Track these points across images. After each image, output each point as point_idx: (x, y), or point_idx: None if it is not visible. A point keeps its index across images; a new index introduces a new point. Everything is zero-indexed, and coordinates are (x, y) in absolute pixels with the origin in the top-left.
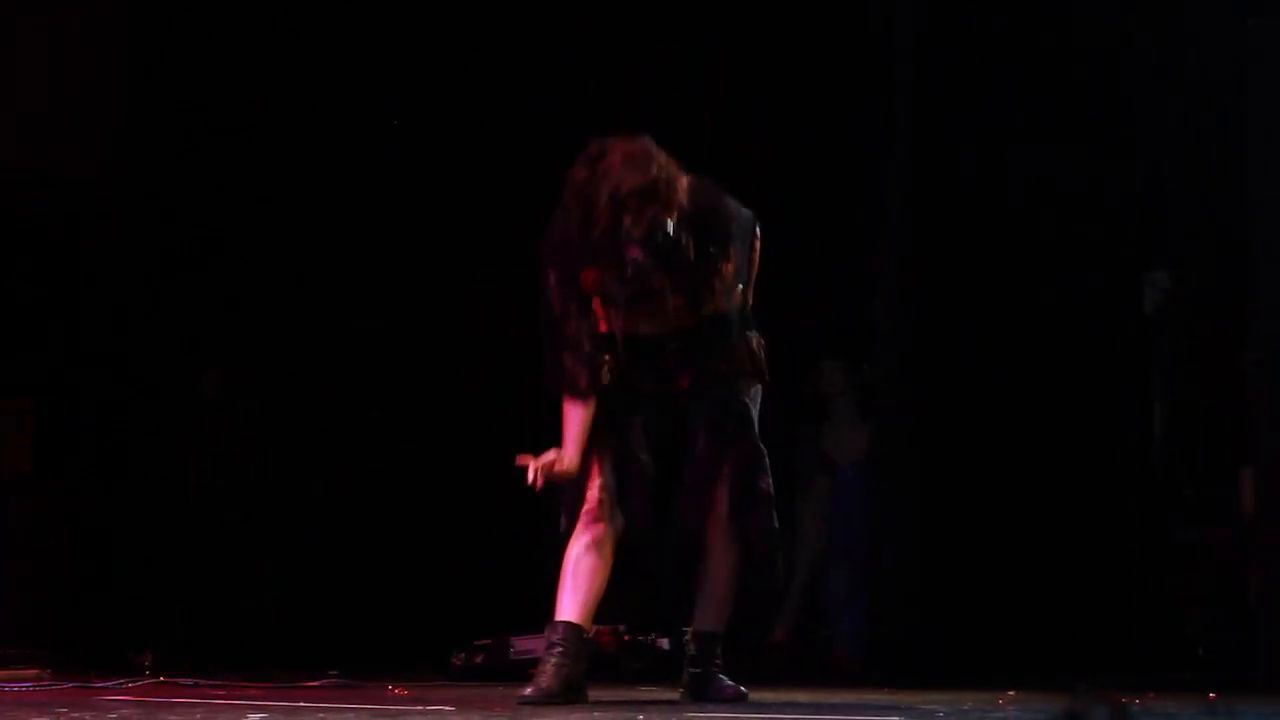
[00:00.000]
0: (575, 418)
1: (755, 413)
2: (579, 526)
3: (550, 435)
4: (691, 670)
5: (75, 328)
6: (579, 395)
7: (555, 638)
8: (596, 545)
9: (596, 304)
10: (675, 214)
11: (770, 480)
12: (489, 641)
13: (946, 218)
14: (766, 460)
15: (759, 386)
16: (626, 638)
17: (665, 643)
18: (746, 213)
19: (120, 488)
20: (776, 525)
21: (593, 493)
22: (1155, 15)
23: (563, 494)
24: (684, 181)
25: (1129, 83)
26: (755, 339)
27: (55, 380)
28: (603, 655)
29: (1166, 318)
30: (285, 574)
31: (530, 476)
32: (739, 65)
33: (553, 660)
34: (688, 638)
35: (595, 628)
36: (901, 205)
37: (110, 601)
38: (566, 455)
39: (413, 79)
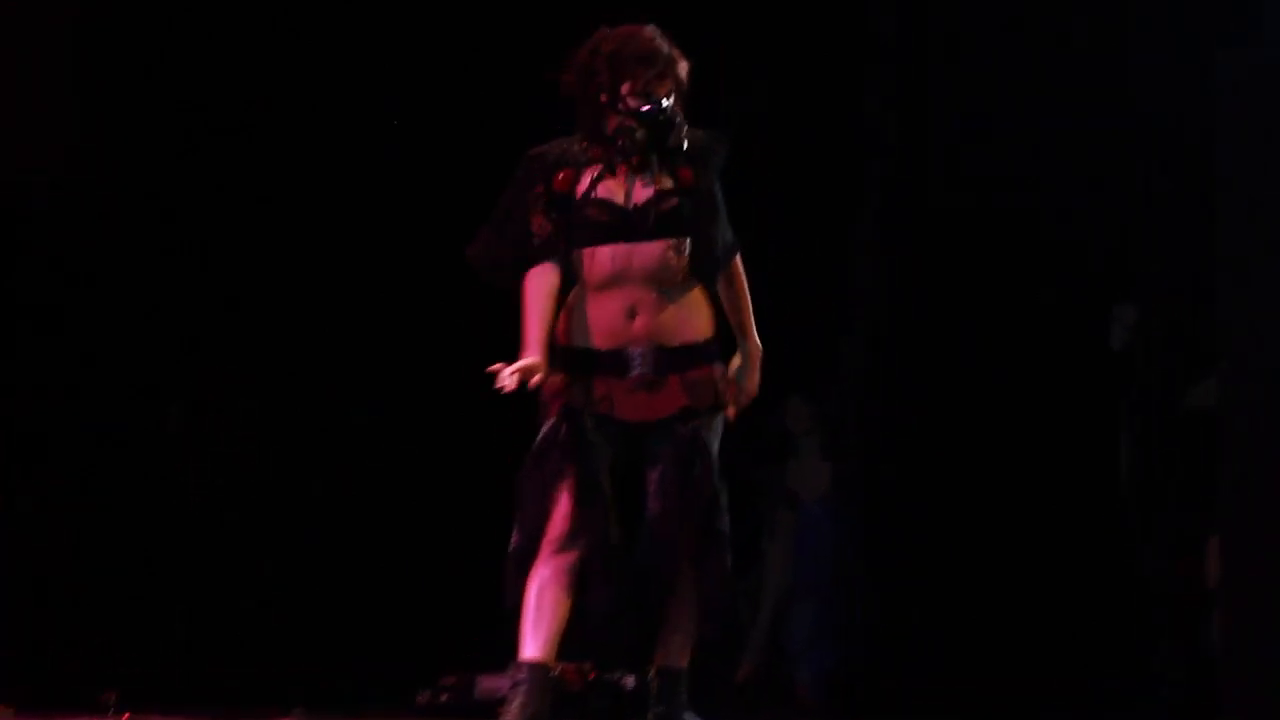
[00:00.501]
0: (534, 298)
1: (716, 447)
2: (542, 556)
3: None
4: (656, 709)
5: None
6: (535, 257)
7: (520, 676)
8: (559, 577)
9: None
10: (674, 90)
11: (727, 520)
12: (454, 680)
13: (914, 255)
14: (725, 499)
15: (720, 419)
16: (592, 676)
17: (631, 680)
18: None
19: (84, 523)
20: (730, 568)
21: (556, 520)
22: (1123, 48)
23: (519, 513)
24: (686, 64)
25: (1096, 115)
26: (719, 369)
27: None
28: (568, 694)
29: (1133, 352)
30: (251, 610)
31: (501, 381)
32: (707, 99)
33: (518, 700)
34: (652, 675)
35: (560, 665)
36: (869, 242)
37: (76, 638)
38: (528, 350)
39: (389, 81)
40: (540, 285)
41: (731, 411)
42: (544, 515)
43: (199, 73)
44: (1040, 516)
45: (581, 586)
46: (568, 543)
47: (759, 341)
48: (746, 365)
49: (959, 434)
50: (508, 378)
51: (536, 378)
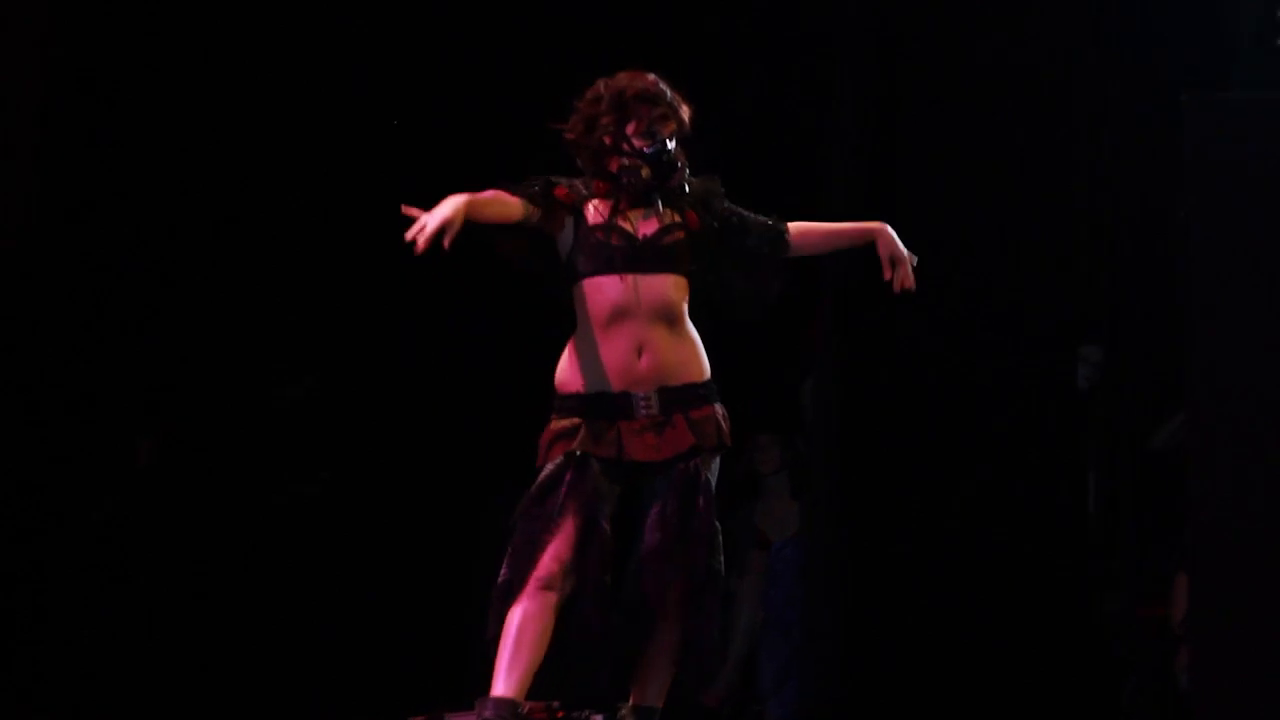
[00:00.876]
0: (496, 195)
1: (713, 486)
2: (527, 589)
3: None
4: None
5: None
6: (512, 190)
7: (487, 714)
8: (542, 615)
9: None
10: (677, 132)
11: (723, 560)
12: (422, 718)
13: (880, 294)
14: (720, 538)
15: (718, 461)
16: (560, 715)
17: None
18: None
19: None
20: (719, 608)
21: (547, 558)
22: (1088, 88)
23: (511, 549)
24: (688, 109)
25: (1062, 154)
26: (719, 409)
27: None
28: None
29: (1099, 392)
30: (211, 646)
31: (413, 234)
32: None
33: None
34: (624, 712)
35: (528, 704)
36: (835, 282)
37: (31, 669)
38: (454, 200)
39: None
40: (502, 197)
41: (909, 279)
42: (537, 552)
43: (170, 94)
44: (1009, 556)
45: (563, 625)
46: (556, 581)
47: (871, 224)
48: (887, 240)
49: (927, 473)
50: (423, 234)
51: (451, 236)
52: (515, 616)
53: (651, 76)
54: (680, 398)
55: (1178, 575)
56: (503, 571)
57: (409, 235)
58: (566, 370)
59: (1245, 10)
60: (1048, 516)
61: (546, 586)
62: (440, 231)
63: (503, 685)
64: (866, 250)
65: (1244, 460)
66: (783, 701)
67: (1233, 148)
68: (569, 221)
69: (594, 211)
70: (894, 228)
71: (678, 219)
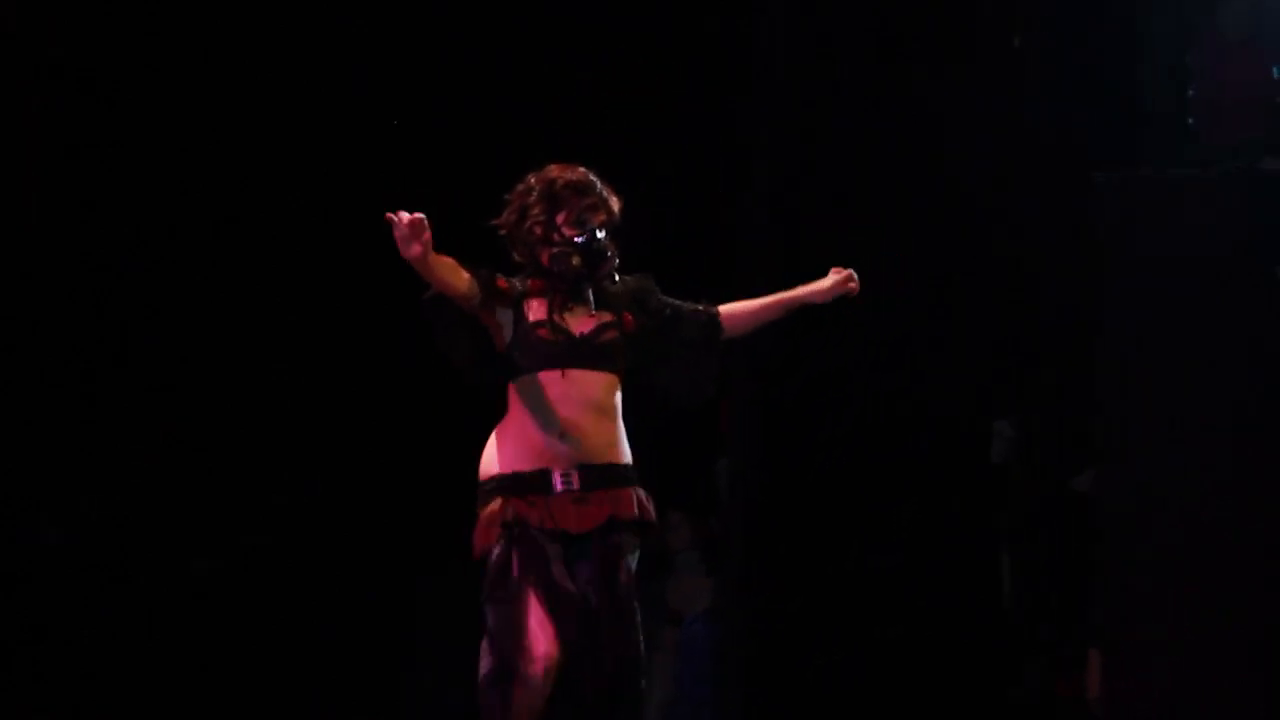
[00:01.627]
0: (452, 262)
1: (633, 567)
2: (520, 672)
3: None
4: None
5: None
6: (465, 266)
7: None
8: (544, 692)
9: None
10: (607, 223)
11: (642, 641)
12: None
13: (793, 372)
14: (639, 619)
15: (637, 544)
16: None
17: None
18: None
19: None
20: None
21: (531, 636)
22: (999, 165)
23: (489, 640)
24: (618, 201)
25: (974, 232)
26: (642, 492)
27: None
28: None
29: (1012, 466)
30: (152, 673)
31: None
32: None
33: None
34: None
35: None
36: (747, 362)
37: None
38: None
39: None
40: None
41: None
42: (519, 632)
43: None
44: (923, 635)
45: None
46: (549, 652)
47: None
48: (826, 288)
49: (840, 552)
50: (405, 224)
51: (425, 236)
52: (518, 700)
53: (581, 169)
54: (602, 475)
55: (1091, 650)
56: (487, 662)
57: (391, 217)
58: (489, 458)
59: (1158, 88)
60: (962, 594)
61: (541, 661)
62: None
63: None
64: (781, 330)
65: (1158, 536)
66: None
67: (1143, 225)
68: (507, 317)
69: (533, 309)
70: (802, 309)
71: (613, 318)
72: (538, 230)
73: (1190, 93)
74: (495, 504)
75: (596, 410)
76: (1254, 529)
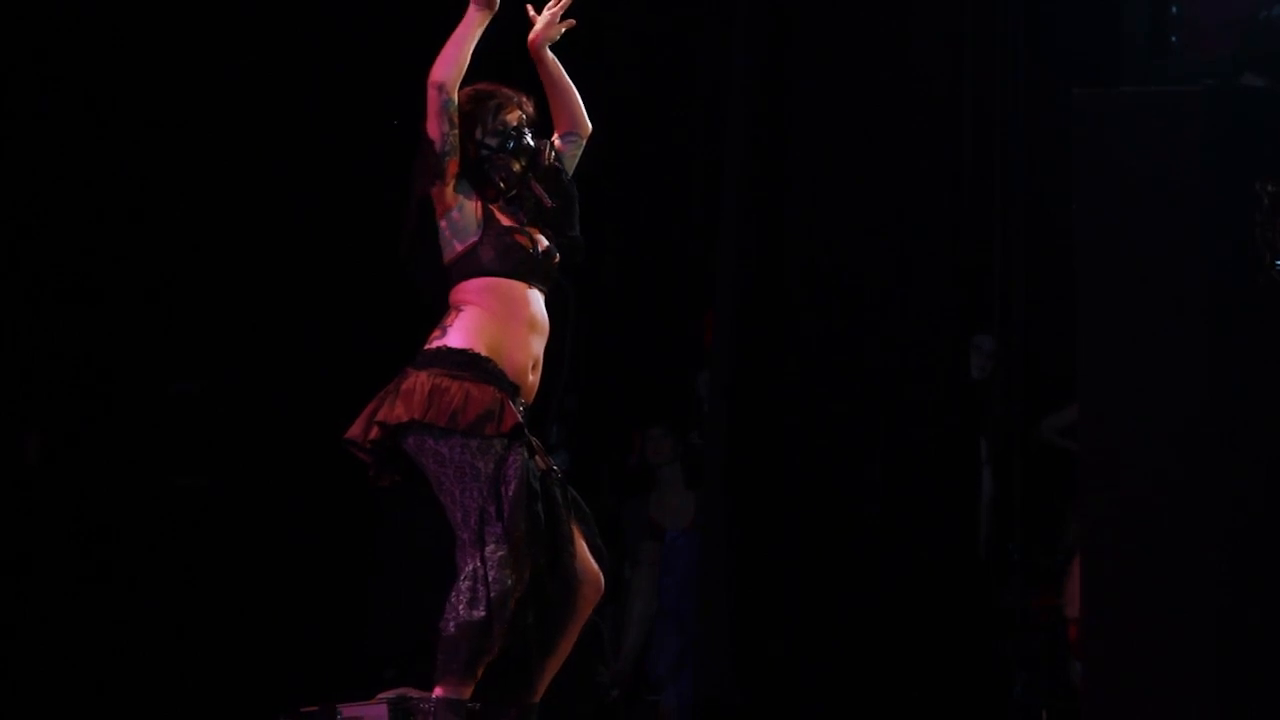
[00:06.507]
0: None
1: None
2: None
3: None
4: None
5: None
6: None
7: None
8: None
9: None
10: (524, 117)
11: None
12: (314, 709)
13: (772, 286)
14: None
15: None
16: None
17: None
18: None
19: None
20: None
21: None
22: (979, 81)
23: (477, 576)
24: (530, 98)
25: (954, 146)
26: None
27: None
28: None
29: (992, 382)
30: (99, 641)
31: None
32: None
33: None
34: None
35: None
36: (727, 274)
37: None
38: None
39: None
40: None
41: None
42: (518, 569)
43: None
44: (902, 548)
45: None
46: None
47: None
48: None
49: (820, 464)
50: None
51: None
52: (496, 639)
53: (483, 83)
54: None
55: (1070, 565)
56: (477, 611)
57: None
58: (477, 337)
59: (1139, 6)
60: (940, 508)
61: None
62: None
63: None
64: (764, 242)
65: (1136, 453)
66: (677, 691)
67: (1122, 143)
68: (467, 198)
69: (504, 216)
70: (785, 219)
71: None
72: (471, 153)
73: (1172, 9)
74: (490, 396)
75: (544, 337)
76: (1232, 447)
